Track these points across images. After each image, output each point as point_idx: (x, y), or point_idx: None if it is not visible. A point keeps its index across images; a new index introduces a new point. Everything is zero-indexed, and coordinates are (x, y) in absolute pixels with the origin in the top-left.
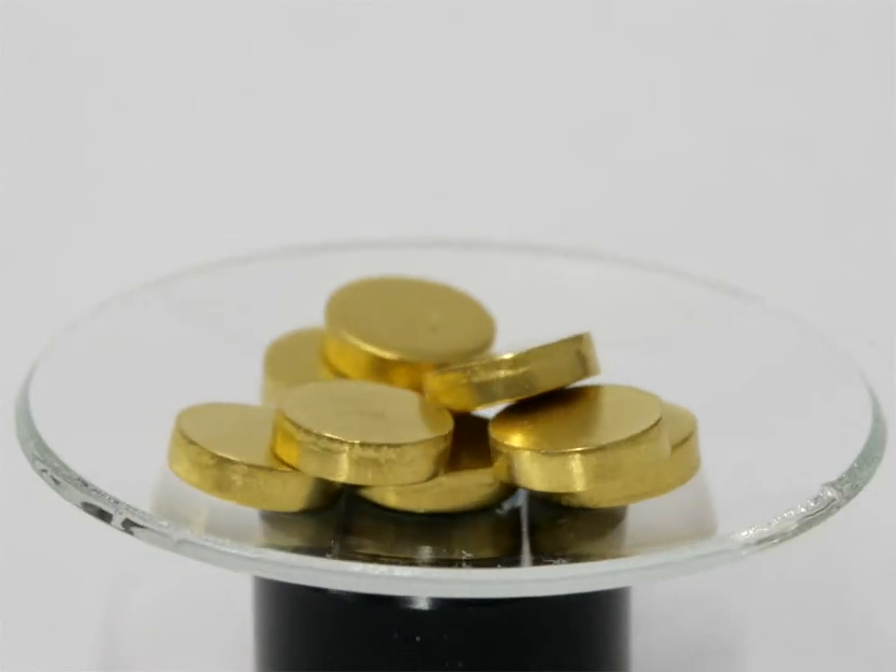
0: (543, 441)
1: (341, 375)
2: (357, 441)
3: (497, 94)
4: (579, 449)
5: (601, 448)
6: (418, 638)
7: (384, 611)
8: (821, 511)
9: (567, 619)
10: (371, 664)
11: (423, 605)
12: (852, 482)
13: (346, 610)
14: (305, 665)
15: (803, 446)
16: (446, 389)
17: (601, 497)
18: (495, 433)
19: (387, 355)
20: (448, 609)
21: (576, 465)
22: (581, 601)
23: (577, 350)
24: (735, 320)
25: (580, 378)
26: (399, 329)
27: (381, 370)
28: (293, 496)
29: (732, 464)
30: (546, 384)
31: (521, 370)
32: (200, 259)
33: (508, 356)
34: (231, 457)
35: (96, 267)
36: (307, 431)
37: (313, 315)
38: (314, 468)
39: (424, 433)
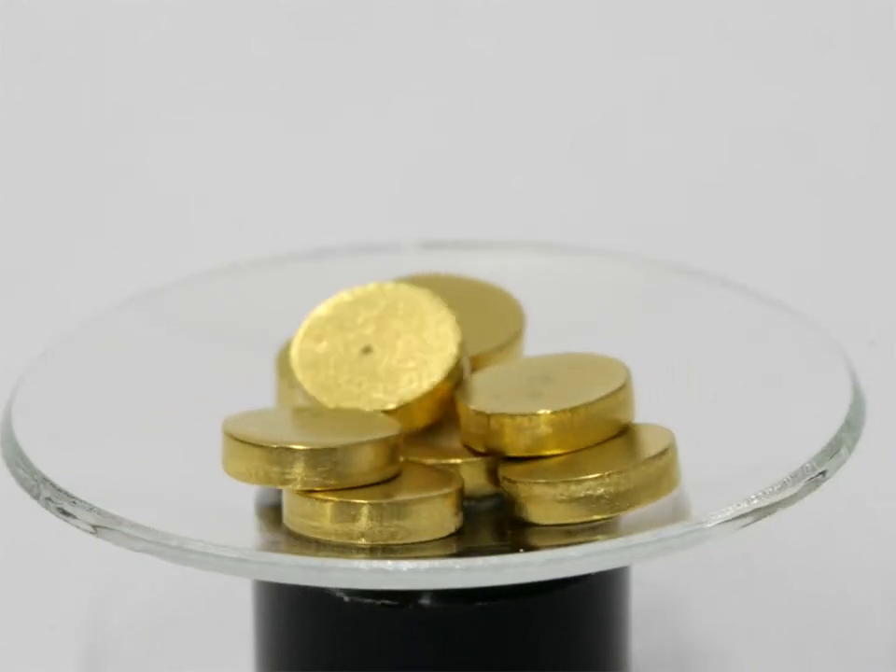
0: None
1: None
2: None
3: (488, 95)
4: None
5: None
6: (420, 638)
7: (384, 611)
8: (808, 482)
9: (567, 619)
10: (371, 664)
11: (424, 603)
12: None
13: (347, 610)
14: (305, 665)
15: (786, 424)
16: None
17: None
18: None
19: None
20: (448, 607)
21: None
22: (580, 600)
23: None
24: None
25: None
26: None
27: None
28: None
29: (715, 444)
30: None
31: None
32: (194, 269)
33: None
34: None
35: (90, 277)
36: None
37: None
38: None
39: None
